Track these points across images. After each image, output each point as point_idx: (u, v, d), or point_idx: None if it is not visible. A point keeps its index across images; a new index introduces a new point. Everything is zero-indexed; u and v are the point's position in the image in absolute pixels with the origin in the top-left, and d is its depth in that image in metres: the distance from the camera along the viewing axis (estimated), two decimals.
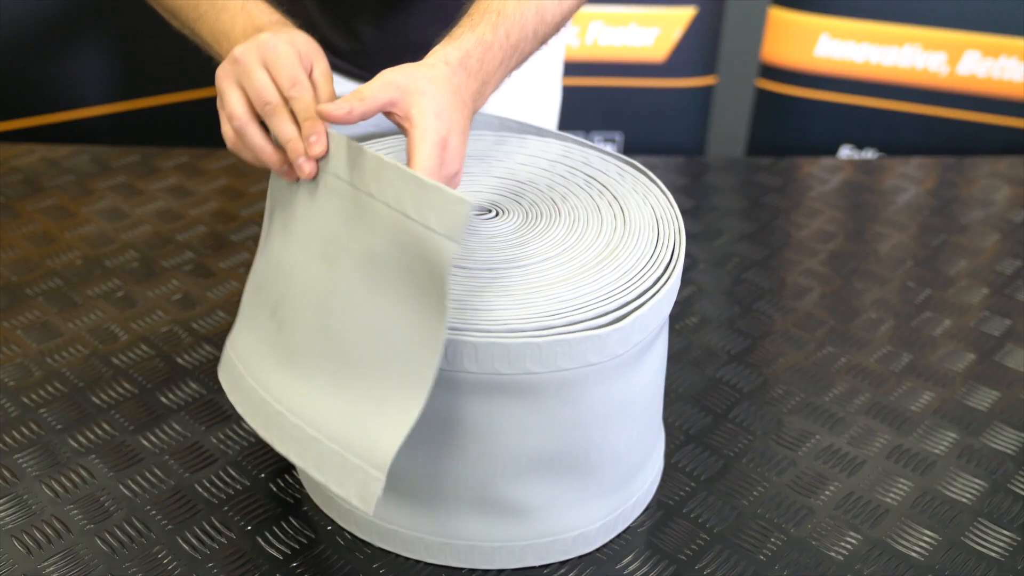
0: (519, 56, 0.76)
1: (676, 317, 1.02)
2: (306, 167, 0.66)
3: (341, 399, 0.65)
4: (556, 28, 0.79)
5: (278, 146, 0.68)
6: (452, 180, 0.67)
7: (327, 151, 0.66)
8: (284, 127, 0.66)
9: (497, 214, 0.74)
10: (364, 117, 0.65)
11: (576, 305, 0.65)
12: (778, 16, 1.87)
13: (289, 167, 0.68)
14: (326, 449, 0.64)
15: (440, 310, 0.59)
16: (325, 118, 0.65)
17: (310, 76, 0.68)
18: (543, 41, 0.78)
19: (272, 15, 0.74)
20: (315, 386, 0.66)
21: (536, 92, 1.22)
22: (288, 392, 0.68)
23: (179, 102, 1.73)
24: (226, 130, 0.69)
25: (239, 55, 0.67)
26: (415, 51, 1.11)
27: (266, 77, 0.66)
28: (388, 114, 0.67)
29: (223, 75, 0.68)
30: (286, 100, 0.66)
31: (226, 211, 1.19)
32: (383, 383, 0.63)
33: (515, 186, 0.78)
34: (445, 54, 0.70)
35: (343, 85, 1.17)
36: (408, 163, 0.65)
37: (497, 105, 1.22)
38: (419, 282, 0.60)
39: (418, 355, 0.61)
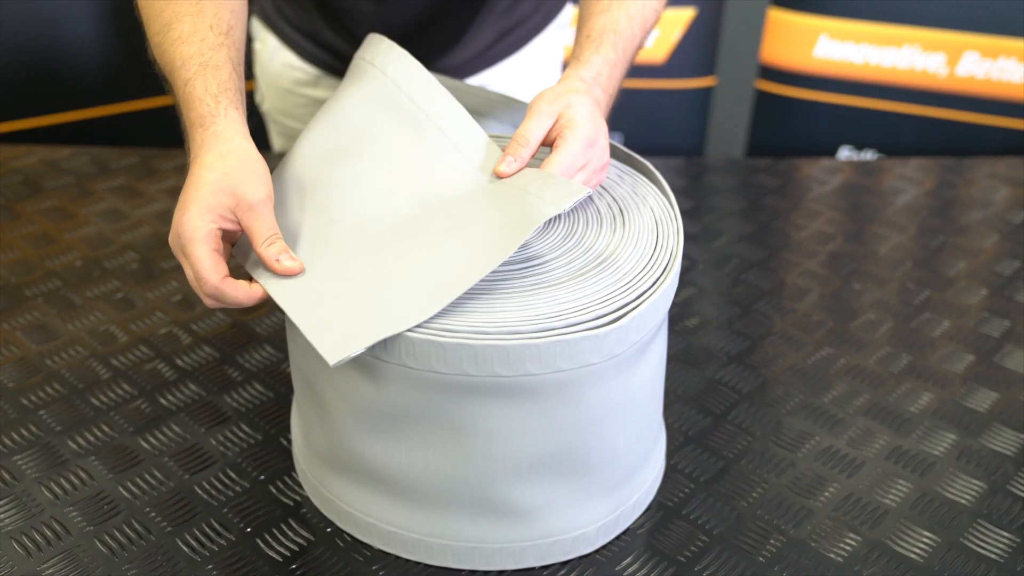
0: (630, 65, 0.83)
1: (675, 318, 1.02)
2: (286, 264, 0.67)
3: (364, 284, 0.66)
4: (648, 33, 0.85)
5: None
6: (600, 173, 0.75)
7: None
8: (237, 297, 0.67)
9: None
10: (531, 157, 0.74)
11: (575, 307, 0.65)
12: (777, 17, 1.87)
13: (291, 265, 0.68)
14: (324, 309, 0.64)
15: (513, 241, 0.65)
16: (501, 176, 0.73)
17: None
18: (641, 47, 0.85)
19: (200, 107, 0.71)
20: (348, 270, 0.67)
21: (533, 94, 1.22)
22: (318, 266, 0.68)
23: None
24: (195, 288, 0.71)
25: (171, 245, 0.69)
26: (419, 50, 1.11)
27: (194, 276, 0.68)
28: (546, 139, 0.74)
29: (173, 249, 0.70)
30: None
31: None
32: (415, 286, 0.65)
33: None
34: (579, 74, 0.77)
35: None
36: (550, 157, 0.72)
37: None
38: (509, 220, 0.67)
39: (461, 276, 0.64)
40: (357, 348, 0.61)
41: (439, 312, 0.64)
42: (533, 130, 0.74)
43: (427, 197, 0.73)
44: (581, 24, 0.81)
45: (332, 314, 0.64)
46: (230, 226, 0.68)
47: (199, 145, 0.70)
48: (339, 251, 0.69)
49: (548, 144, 0.75)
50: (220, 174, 0.68)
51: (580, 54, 0.79)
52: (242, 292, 0.67)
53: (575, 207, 0.75)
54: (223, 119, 0.71)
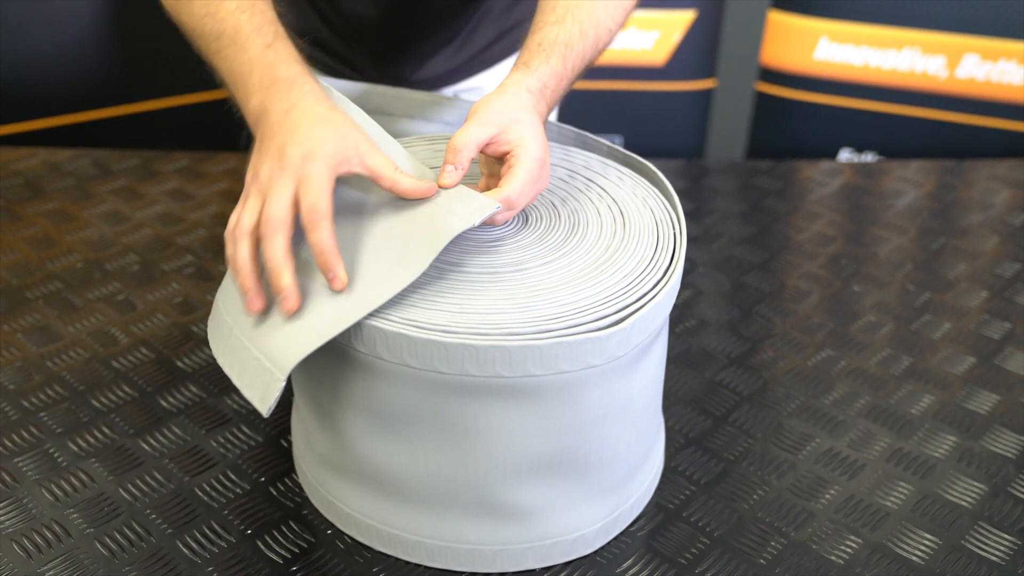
0: (575, 81, 0.81)
1: (676, 320, 1.02)
2: (286, 303, 0.65)
3: (279, 316, 0.66)
4: (600, 53, 0.83)
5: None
6: (540, 192, 0.74)
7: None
8: (275, 254, 0.65)
9: None
10: (470, 163, 0.72)
11: (576, 309, 0.65)
12: (777, 19, 1.87)
13: (255, 294, 0.66)
14: (249, 356, 0.65)
15: (418, 263, 0.65)
16: (445, 187, 0.71)
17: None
18: (590, 65, 0.83)
19: (290, 67, 0.72)
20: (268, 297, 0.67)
21: None
22: (237, 308, 0.69)
23: (180, 105, 1.74)
24: (228, 227, 0.69)
25: (274, 173, 0.66)
26: (418, 51, 1.11)
27: (287, 201, 0.65)
28: (484, 147, 0.72)
29: (251, 184, 0.68)
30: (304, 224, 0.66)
31: (226, 214, 1.19)
32: (320, 306, 0.64)
33: None
34: (526, 84, 0.75)
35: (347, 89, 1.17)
36: (508, 177, 0.71)
37: None
38: (419, 241, 0.66)
39: (370, 292, 0.64)
40: (276, 390, 0.62)
41: (440, 312, 0.64)
42: (473, 136, 0.71)
43: (346, 223, 0.71)
44: (533, 31, 0.79)
45: (255, 360, 0.65)
46: (346, 170, 0.68)
47: (297, 95, 0.70)
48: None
49: (490, 155, 0.73)
50: (338, 124, 0.69)
51: (529, 61, 0.76)
52: (251, 266, 0.66)
53: (575, 210, 0.76)
54: (315, 83, 0.72)
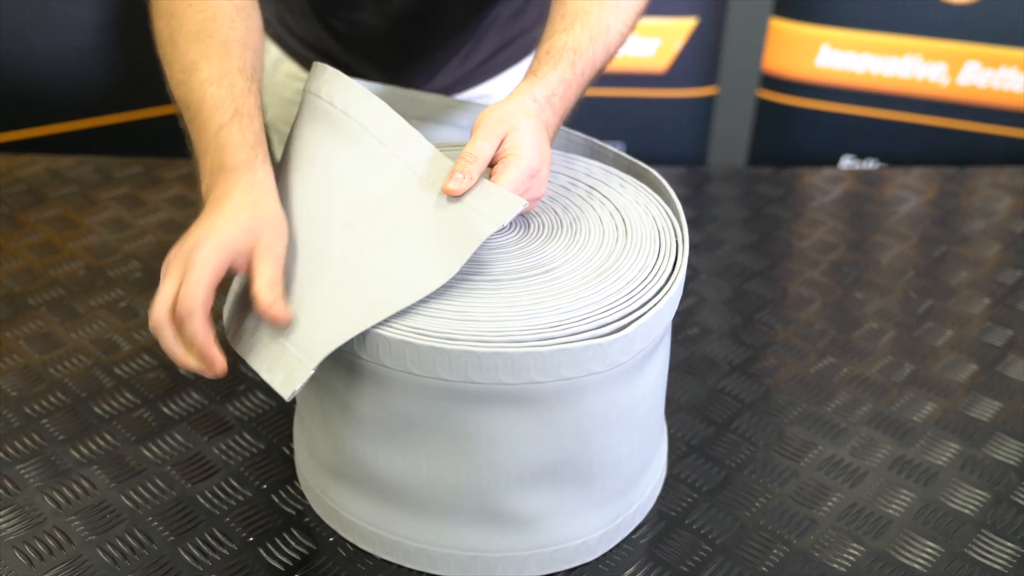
0: (587, 86, 0.80)
1: (678, 328, 1.02)
2: (206, 373, 0.66)
3: (307, 301, 0.67)
4: (611, 57, 0.83)
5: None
6: (534, 203, 0.74)
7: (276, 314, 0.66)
8: (197, 335, 0.65)
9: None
10: (480, 175, 0.71)
11: (578, 316, 0.65)
12: (779, 27, 1.87)
13: (207, 367, 0.67)
14: (270, 340, 0.66)
15: (454, 262, 0.65)
16: (451, 194, 0.70)
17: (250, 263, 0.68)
18: (602, 70, 0.83)
19: (238, 153, 0.71)
20: (291, 290, 0.68)
21: None
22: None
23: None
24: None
25: (169, 258, 0.67)
26: (425, 60, 1.11)
27: (171, 291, 0.66)
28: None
29: (167, 261, 0.68)
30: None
31: None
32: (358, 293, 0.65)
33: None
34: (532, 92, 0.74)
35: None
36: (493, 179, 0.70)
37: None
38: (450, 238, 0.67)
39: (404, 289, 0.65)
40: (303, 376, 0.63)
41: (442, 320, 0.64)
42: (481, 148, 0.71)
43: (376, 217, 0.71)
44: (543, 39, 0.80)
45: (278, 344, 0.66)
46: (238, 268, 0.68)
47: (232, 184, 0.70)
48: (289, 272, 0.70)
49: (492, 165, 0.73)
50: (251, 216, 0.68)
51: (537, 69, 0.77)
52: (209, 341, 0.66)
53: (577, 218, 0.76)
54: (260, 171, 0.71)
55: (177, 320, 0.65)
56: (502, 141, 0.72)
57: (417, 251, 0.68)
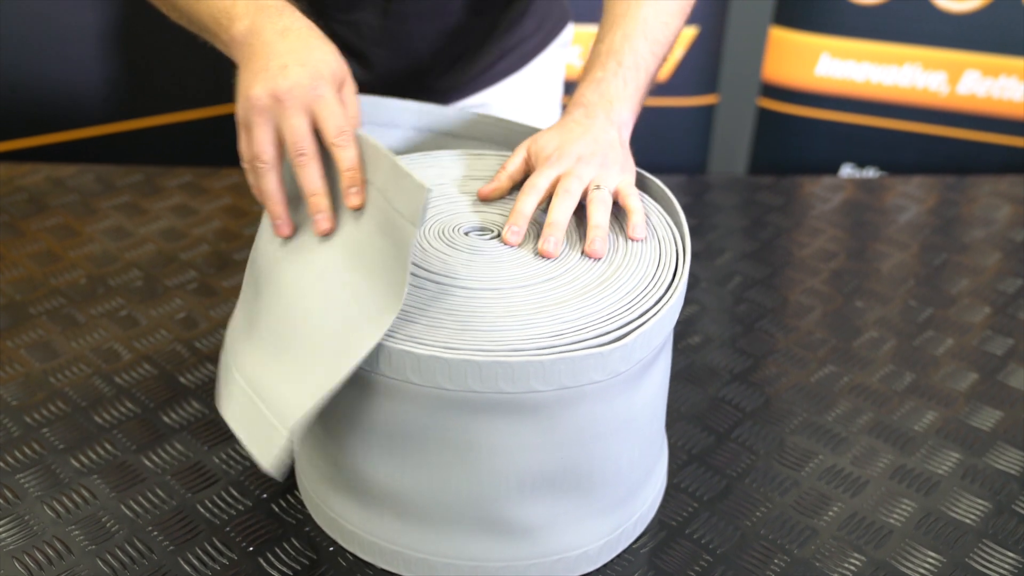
0: (652, 60, 0.84)
1: (678, 336, 1.02)
2: (323, 224, 0.67)
3: (281, 363, 0.66)
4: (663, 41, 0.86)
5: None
6: (605, 167, 0.76)
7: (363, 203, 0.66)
8: (314, 179, 0.66)
9: (500, 234, 0.75)
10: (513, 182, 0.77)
11: (579, 325, 0.65)
12: (779, 36, 1.88)
13: (285, 221, 0.68)
14: (253, 408, 0.66)
15: (397, 291, 0.61)
16: (487, 197, 0.75)
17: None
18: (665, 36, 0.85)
19: None
20: (264, 350, 0.68)
21: (538, 111, 1.22)
22: (243, 356, 0.69)
23: (183, 121, 1.74)
24: (244, 157, 0.68)
25: (283, 94, 0.65)
26: (424, 72, 1.11)
27: (306, 125, 0.65)
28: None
29: (259, 108, 0.66)
30: (325, 148, 0.66)
31: (229, 230, 1.19)
32: (322, 350, 0.64)
33: None
34: (581, 92, 0.80)
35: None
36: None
37: None
38: (387, 264, 0.62)
39: (362, 329, 0.62)
40: (279, 446, 0.62)
41: (442, 329, 0.64)
42: (507, 165, 0.77)
43: (319, 255, 0.69)
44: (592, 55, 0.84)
45: (258, 411, 0.65)
46: (340, 89, 0.68)
47: (299, 19, 0.69)
48: (261, 332, 0.69)
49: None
50: (331, 44, 0.69)
51: (599, 77, 0.81)
52: (280, 196, 0.67)
53: (578, 226, 0.76)
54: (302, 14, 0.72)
55: (303, 156, 0.65)
56: (527, 156, 0.77)
57: (361, 285, 0.64)
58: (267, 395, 0.65)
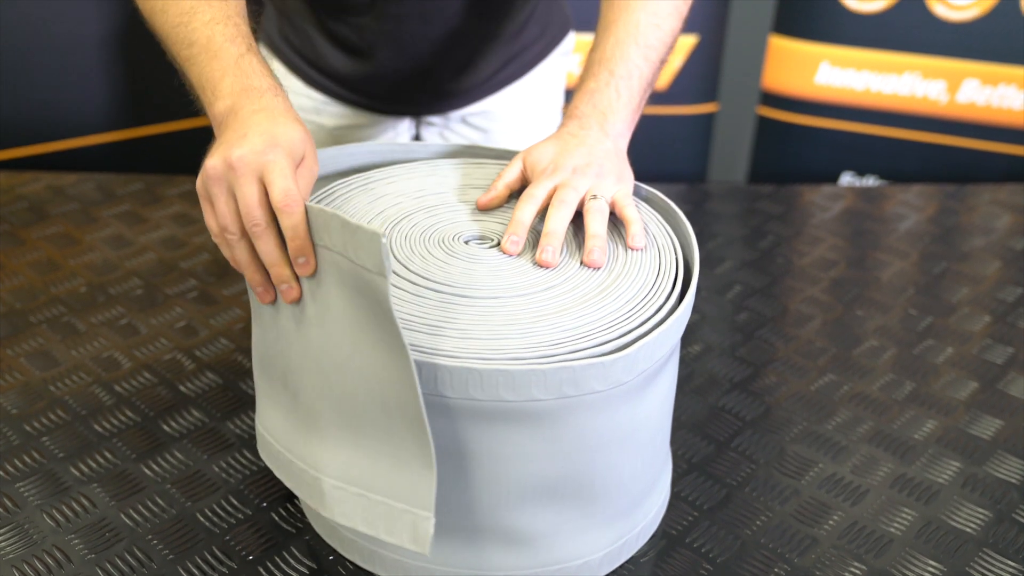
0: (649, 66, 0.84)
1: None
2: (289, 294, 0.66)
3: (363, 451, 0.66)
4: (662, 45, 0.86)
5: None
6: (599, 177, 0.77)
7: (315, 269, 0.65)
8: (271, 250, 0.65)
9: (499, 243, 0.75)
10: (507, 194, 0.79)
11: (580, 333, 0.65)
12: (779, 44, 1.88)
13: (265, 288, 0.67)
14: (368, 502, 0.66)
15: (398, 345, 0.59)
16: (485, 207, 0.77)
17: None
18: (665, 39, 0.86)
19: (263, 79, 0.71)
20: (338, 444, 0.67)
21: (538, 120, 1.23)
22: (318, 456, 0.69)
23: (183, 130, 1.75)
24: (213, 230, 0.68)
25: (235, 161, 0.64)
26: (428, 73, 1.11)
27: (256, 193, 0.64)
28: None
29: (215, 178, 0.65)
30: (274, 217, 0.65)
31: None
32: (390, 426, 0.63)
33: None
34: (575, 104, 0.81)
35: (350, 115, 1.18)
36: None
37: (499, 133, 1.23)
38: (379, 324, 0.60)
39: (402, 392, 0.61)
40: (430, 528, 0.63)
41: (443, 337, 0.64)
42: (503, 175, 0.79)
43: (309, 309, 0.67)
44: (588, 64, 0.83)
45: (379, 504, 0.65)
46: (299, 162, 0.68)
47: (270, 99, 0.69)
48: (323, 429, 0.69)
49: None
50: (302, 128, 0.68)
51: (597, 89, 0.81)
52: (256, 265, 0.66)
53: (577, 236, 0.76)
54: (287, 100, 0.71)
55: (257, 227, 0.64)
56: (523, 169, 0.78)
57: (374, 351, 0.62)
58: (383, 487, 0.65)
